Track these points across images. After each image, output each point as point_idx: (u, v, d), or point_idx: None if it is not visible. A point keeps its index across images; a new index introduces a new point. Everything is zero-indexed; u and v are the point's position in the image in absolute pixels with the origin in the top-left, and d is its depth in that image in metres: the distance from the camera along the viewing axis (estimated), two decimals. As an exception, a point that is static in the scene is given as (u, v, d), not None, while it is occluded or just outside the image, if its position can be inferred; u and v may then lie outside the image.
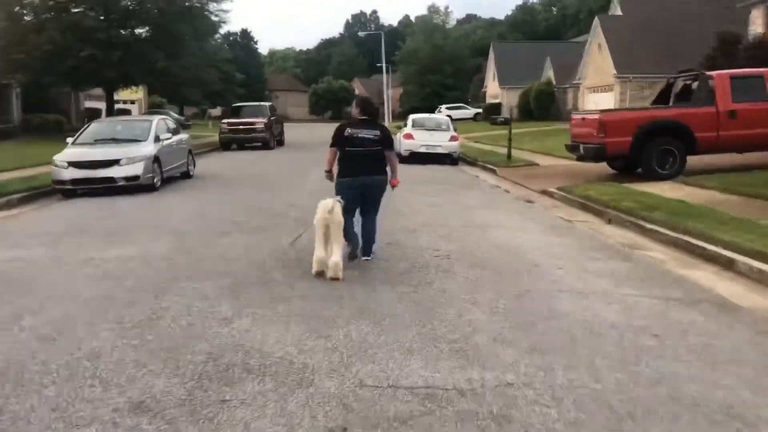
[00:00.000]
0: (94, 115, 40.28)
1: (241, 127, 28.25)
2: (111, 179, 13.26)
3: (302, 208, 11.39)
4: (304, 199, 12.27)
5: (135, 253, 7.90)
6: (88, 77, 28.48)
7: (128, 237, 8.98)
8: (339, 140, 7.18)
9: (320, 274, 6.58)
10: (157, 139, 14.48)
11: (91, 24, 27.64)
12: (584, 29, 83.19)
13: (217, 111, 76.39)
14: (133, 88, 33.96)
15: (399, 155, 22.43)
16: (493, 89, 59.96)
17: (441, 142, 21.49)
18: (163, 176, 14.51)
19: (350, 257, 7.04)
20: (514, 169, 18.54)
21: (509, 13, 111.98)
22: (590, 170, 16.55)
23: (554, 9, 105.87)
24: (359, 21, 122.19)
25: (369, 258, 7.23)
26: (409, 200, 12.62)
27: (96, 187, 13.30)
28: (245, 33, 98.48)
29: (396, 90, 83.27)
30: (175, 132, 16.19)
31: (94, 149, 13.79)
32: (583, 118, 15.40)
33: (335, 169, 7.33)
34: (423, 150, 21.39)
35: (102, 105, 45.06)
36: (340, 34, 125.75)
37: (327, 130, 41.32)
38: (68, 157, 13.47)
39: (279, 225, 9.79)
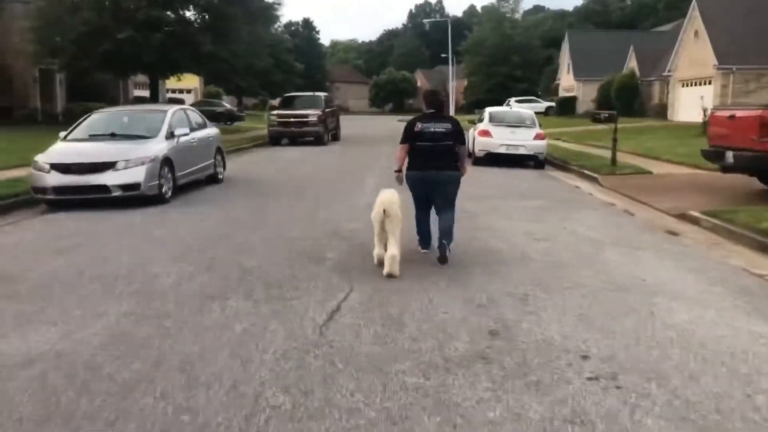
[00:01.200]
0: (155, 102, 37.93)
1: (291, 119, 24.97)
2: (104, 188, 10.01)
3: (350, 239, 7.87)
4: (354, 222, 8.80)
5: (42, 346, 4.50)
6: (127, 62, 25.60)
7: (61, 302, 5.56)
8: (410, 135, 6.81)
9: (390, 275, 6.10)
10: (170, 135, 11.19)
11: (130, 4, 24.73)
12: (663, 20, 77.50)
13: (276, 102, 73.87)
14: (181, 75, 30.96)
15: (473, 156, 18.87)
16: (567, 82, 55.31)
17: (524, 141, 17.67)
18: (177, 183, 11.20)
19: (421, 254, 6.90)
20: (622, 177, 14.61)
21: (579, 4, 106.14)
22: (725, 183, 12.54)
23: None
24: (423, 11, 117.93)
25: (449, 251, 6.70)
26: (499, 227, 8.98)
27: (85, 197, 10.06)
28: (307, 22, 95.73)
29: (460, 82, 79.05)
30: (200, 126, 12.88)
31: (86, 147, 10.57)
32: (732, 116, 11.35)
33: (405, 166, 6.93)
34: (502, 150, 17.63)
35: (145, 92, 42.79)
36: (403, 24, 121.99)
37: (387, 123, 37.37)
38: (52, 157, 10.29)
39: (310, 278, 6.25)
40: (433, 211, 7.11)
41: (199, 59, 26.38)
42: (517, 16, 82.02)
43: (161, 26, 24.78)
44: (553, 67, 65.14)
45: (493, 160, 17.74)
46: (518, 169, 17.41)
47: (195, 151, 12.05)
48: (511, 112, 19.50)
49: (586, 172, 15.63)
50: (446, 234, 6.71)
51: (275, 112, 26.10)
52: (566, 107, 52.08)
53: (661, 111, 40.26)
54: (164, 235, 8.40)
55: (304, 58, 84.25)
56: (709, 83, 33.92)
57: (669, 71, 38.21)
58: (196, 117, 12.92)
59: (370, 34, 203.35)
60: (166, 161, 10.71)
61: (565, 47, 55.91)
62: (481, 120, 19.34)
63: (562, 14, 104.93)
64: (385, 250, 6.18)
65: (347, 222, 9.02)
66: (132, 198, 10.19)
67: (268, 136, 25.67)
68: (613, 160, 15.85)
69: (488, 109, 19.70)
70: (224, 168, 13.83)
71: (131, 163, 10.09)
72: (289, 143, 25.81)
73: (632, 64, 45.52)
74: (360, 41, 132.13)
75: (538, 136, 17.84)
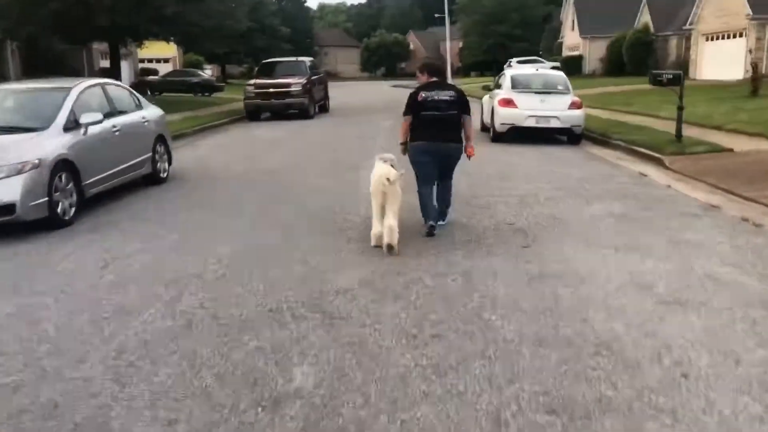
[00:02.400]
0: (117, 75, 33.92)
1: (271, 90, 21.19)
2: (-44, 213, 6.40)
3: (346, 320, 4.31)
4: (351, 270, 5.25)
5: None
6: (76, 27, 21.65)
7: None
8: (413, 106, 6.44)
9: (390, 248, 5.81)
10: (74, 125, 7.53)
11: (77, -43, 20.73)
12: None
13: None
14: (145, 42, 26.97)
15: (491, 130, 15.27)
16: (571, 39, 51.22)
17: (558, 110, 14.01)
18: (86, 194, 7.58)
19: (428, 233, 6.38)
20: (696, 159, 11.05)
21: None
22: None
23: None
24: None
25: (443, 222, 6.69)
26: (584, 270, 5.43)
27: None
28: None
29: (455, 43, 74.63)
30: (127, 109, 9.18)
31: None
32: None
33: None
34: (531, 123, 13.99)
35: (125, 64, 38.69)
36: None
37: (380, 89, 32.60)
38: None
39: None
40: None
41: (162, 22, 22.39)
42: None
43: (115, -16, 20.74)
44: (553, 25, 60.92)
45: (518, 134, 14.15)
46: (550, 146, 13.82)
47: (117, 144, 8.39)
48: (538, 75, 15.70)
49: (644, 151, 12.03)
50: (447, 203, 6.77)
51: (252, 81, 22.29)
52: (572, 67, 47.92)
53: (681, 69, 36.40)
54: (34, 305, 4.82)
55: (290, 23, 79.66)
56: (741, 36, 30.09)
57: (690, 24, 34.27)
58: (121, 96, 9.18)
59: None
60: (63, 165, 7.07)
61: (569, 3, 51.67)
62: (499, 86, 15.65)
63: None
64: (382, 228, 5.87)
65: (337, 273, 5.45)
66: (5, 224, 6.60)
67: (244, 109, 21.90)
68: (679, 134, 12.23)
69: (509, 72, 15.93)
70: (170, 162, 10.17)
71: (0, 172, 6.46)
72: (270, 117, 22.11)
73: (645, 18, 41.50)
74: (349, 4, 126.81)
75: (573, 105, 14.17)
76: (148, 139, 9.37)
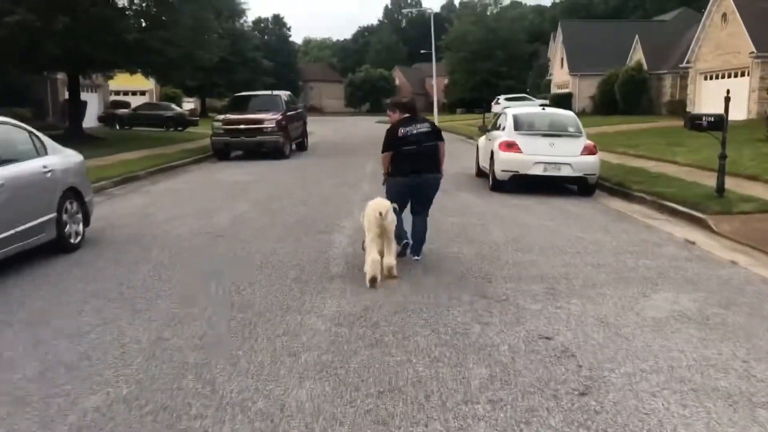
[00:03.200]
0: (76, 108, 31.60)
1: (242, 126, 18.98)
2: None
3: None
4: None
5: None
6: (22, 54, 19.31)
7: None
8: (393, 142, 6.63)
9: (374, 282, 5.85)
10: None
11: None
12: (651, 11, 72.35)
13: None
14: (110, 73, 24.75)
15: (490, 177, 13.06)
16: (560, 77, 49.76)
17: (569, 156, 11.86)
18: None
19: (399, 253, 6.50)
20: (746, 220, 8.92)
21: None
22: None
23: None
24: (398, 7, 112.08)
25: (418, 258, 6.74)
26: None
27: None
28: (277, 19, 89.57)
29: (440, 80, 73.30)
30: (23, 156, 6.85)
31: None
32: None
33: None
34: (538, 171, 11.85)
35: (94, 96, 36.43)
36: (379, 20, 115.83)
37: (364, 125, 29.49)
38: None
39: None
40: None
41: (123, 50, 20.14)
42: (500, 8, 76.12)
43: (67, 8, 18.51)
44: (541, 62, 59.70)
45: (520, 183, 12.01)
46: (561, 197, 11.67)
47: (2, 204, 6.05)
48: (544, 115, 13.51)
49: (681, 209, 9.86)
50: (422, 239, 6.80)
51: (221, 116, 20.07)
52: (562, 105, 46.05)
53: (676, 108, 34.79)
54: None
55: (274, 57, 78.09)
56: (743, 75, 28.48)
57: (687, 62, 32.70)
58: (11, 139, 6.83)
59: (345, 33, 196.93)
60: None
61: (558, 40, 50.34)
62: (499, 127, 13.53)
63: (540, 9, 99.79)
64: (379, 256, 5.94)
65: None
66: None
67: (211, 147, 19.63)
68: (721, 188, 10.08)
69: (510, 111, 13.74)
70: (87, 222, 7.81)
71: None
72: (241, 155, 19.87)
73: (638, 56, 40.07)
74: (335, 39, 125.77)
75: (587, 150, 12.04)
76: (50, 195, 7.02)
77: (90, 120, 33.06)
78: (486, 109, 56.92)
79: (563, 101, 46.89)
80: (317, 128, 41.33)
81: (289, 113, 20.33)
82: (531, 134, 12.27)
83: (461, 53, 67.73)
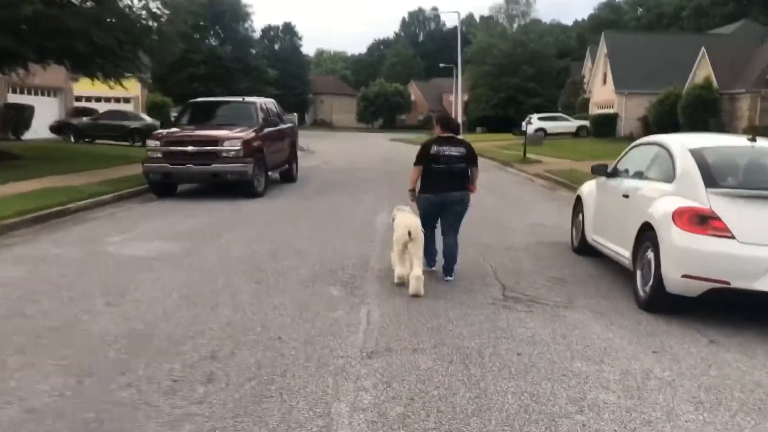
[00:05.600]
0: (21, 114, 25.01)
1: (189, 148, 12.16)
2: None
3: None
4: None
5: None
6: None
7: None
8: (424, 158, 6.62)
9: (402, 284, 5.99)
10: None
11: None
12: (686, 25, 65.44)
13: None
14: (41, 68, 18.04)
15: (644, 286, 6.01)
16: (602, 95, 42.81)
17: None
18: None
19: (426, 272, 6.37)
20: None
21: (579, 18, 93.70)
22: None
23: (639, 9, 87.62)
24: (416, 19, 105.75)
25: (450, 279, 6.58)
26: None
27: None
28: (288, 27, 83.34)
29: (457, 96, 66.65)
30: None
31: None
32: None
33: (418, 186, 6.71)
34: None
35: (52, 101, 29.83)
36: (395, 33, 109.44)
37: (377, 143, 20.43)
38: None
39: None
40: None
41: (19, 32, 13.33)
42: (529, 19, 69.19)
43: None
44: (574, 79, 52.85)
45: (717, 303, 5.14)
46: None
47: None
48: (759, 154, 6.61)
49: None
50: (453, 258, 6.65)
51: (162, 131, 13.30)
52: (604, 127, 39.65)
53: (759, 135, 27.80)
54: None
55: (284, 66, 71.74)
56: None
57: (785, 80, 25.76)
58: None
59: (360, 47, 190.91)
60: None
61: (600, 53, 43.46)
62: (644, 173, 6.66)
63: (563, 27, 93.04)
64: (407, 269, 6.01)
65: None
66: None
67: (145, 178, 12.80)
68: None
69: (677, 141, 6.74)
70: None
71: None
72: (195, 191, 13.15)
73: (704, 72, 33.08)
74: (349, 54, 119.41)
75: None
76: None
77: (41, 130, 26.55)
78: (513, 127, 50.60)
79: (606, 123, 40.07)
80: (321, 146, 34.58)
81: (266, 130, 13.57)
82: (748, 197, 5.36)
83: (485, 67, 61.20)
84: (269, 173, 13.53)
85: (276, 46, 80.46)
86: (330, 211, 11.20)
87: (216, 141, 12.17)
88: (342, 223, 10.01)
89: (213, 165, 12.06)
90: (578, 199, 8.39)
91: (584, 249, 7.94)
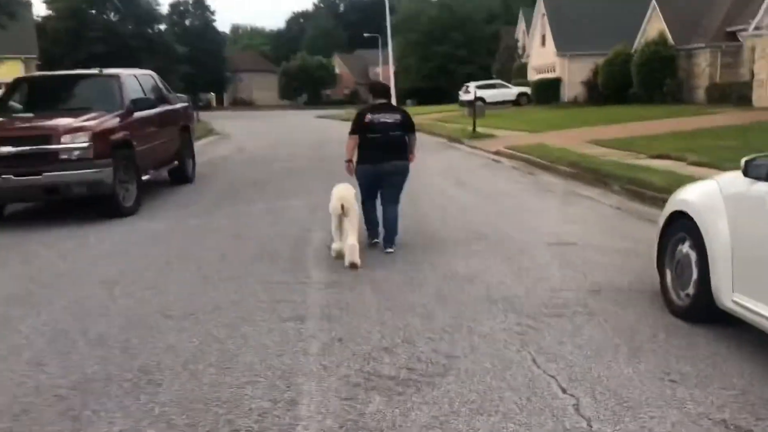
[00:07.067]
0: None
1: (4, 150, 7.60)
2: None
3: None
4: None
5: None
6: None
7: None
8: (359, 127, 6.24)
9: (354, 267, 5.54)
10: None
11: None
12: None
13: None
14: None
15: None
16: (542, 58, 39.51)
17: None
18: None
19: (369, 244, 6.33)
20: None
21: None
22: None
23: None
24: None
25: (391, 250, 6.18)
26: None
27: None
28: (199, 2, 76.50)
29: (386, 67, 62.51)
30: None
31: None
32: None
33: (354, 157, 6.31)
34: None
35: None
36: (314, 4, 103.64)
37: (303, 120, 15.18)
38: None
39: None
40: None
41: None
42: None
43: None
44: (508, 44, 49.45)
45: None
46: None
47: None
48: None
49: None
50: (394, 230, 6.32)
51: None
52: (546, 93, 36.45)
53: (722, 94, 25.00)
54: None
55: (197, 43, 65.62)
56: None
57: (757, 28, 22.78)
58: None
59: (277, 22, 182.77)
60: None
61: (537, 13, 40.07)
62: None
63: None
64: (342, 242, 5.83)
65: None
66: None
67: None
68: None
69: None
70: None
71: None
72: (36, 210, 8.67)
73: (657, 27, 30.07)
74: (267, 30, 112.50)
75: None
76: None
77: None
78: (446, 98, 46.96)
79: (548, 89, 36.90)
80: (239, 128, 29.75)
81: (138, 115, 9.09)
82: None
83: (412, 36, 57.12)
84: (146, 176, 9.11)
85: (187, 22, 73.84)
86: (234, 240, 6.96)
87: (48, 135, 7.67)
88: (251, 264, 5.83)
89: (46, 174, 7.56)
90: (679, 220, 4.47)
91: (704, 314, 4.11)
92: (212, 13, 77.21)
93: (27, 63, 36.45)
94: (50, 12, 49.06)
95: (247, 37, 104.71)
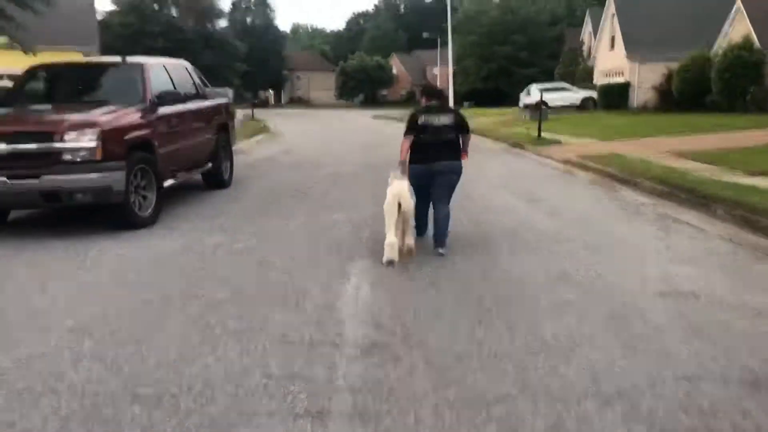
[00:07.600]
0: None
1: (-1, 146, 6.48)
2: None
3: None
4: None
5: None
6: None
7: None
8: (413, 128, 6.18)
9: (391, 263, 5.42)
10: None
11: None
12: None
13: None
14: None
15: None
16: (610, 62, 37.15)
17: None
18: None
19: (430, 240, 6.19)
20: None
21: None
22: None
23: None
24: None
25: (443, 252, 5.92)
26: None
27: None
28: (260, 0, 76.43)
29: (444, 69, 60.71)
30: None
31: None
32: None
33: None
34: None
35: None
36: (375, 6, 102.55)
37: (358, 121, 12.26)
38: None
39: None
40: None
41: None
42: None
43: None
44: (573, 47, 47.12)
45: None
46: None
47: None
48: None
49: None
50: (444, 231, 6.08)
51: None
52: (615, 98, 34.15)
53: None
54: None
55: (257, 41, 65.52)
56: None
57: None
58: None
59: (337, 22, 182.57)
60: None
61: (607, 14, 37.74)
62: None
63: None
64: (398, 239, 5.57)
65: None
66: None
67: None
68: None
69: None
70: None
71: None
72: (41, 218, 7.53)
73: (741, 30, 27.53)
74: (328, 30, 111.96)
75: None
76: None
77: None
78: (507, 101, 44.94)
79: (616, 94, 34.55)
80: (291, 126, 28.70)
81: (163, 110, 7.85)
82: None
83: (472, 37, 55.23)
84: (170, 180, 7.86)
85: (248, 20, 73.86)
86: (256, 269, 5.58)
87: (50, 132, 6.47)
88: (269, 309, 4.42)
89: (45, 177, 6.36)
90: None
91: None
92: (273, 11, 77.18)
93: (87, 56, 36.45)
94: (114, 7, 49.35)
95: (307, 37, 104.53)
